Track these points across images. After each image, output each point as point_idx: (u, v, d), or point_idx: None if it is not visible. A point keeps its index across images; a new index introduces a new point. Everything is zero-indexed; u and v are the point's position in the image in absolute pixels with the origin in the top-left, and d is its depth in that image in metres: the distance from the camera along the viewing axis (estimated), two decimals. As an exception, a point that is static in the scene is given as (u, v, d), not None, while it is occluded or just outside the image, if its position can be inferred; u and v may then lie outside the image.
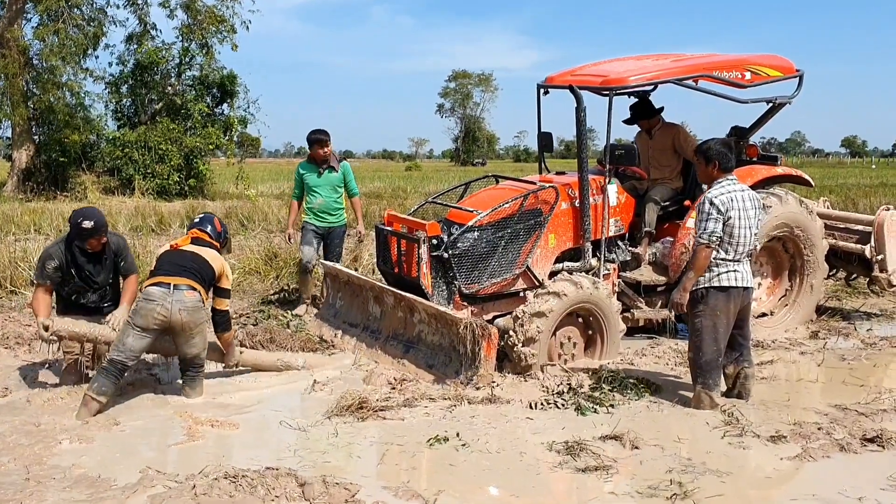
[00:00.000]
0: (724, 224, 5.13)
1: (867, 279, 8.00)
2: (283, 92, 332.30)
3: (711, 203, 5.13)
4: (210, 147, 23.83)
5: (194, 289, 5.32)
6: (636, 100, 7.59)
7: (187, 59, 24.63)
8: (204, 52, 24.40)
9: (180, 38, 24.56)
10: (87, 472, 4.19)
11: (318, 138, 7.76)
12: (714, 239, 5.13)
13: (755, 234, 5.30)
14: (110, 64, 24.86)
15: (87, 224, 5.50)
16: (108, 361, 5.17)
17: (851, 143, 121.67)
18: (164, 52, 24.17)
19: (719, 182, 5.26)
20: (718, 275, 5.20)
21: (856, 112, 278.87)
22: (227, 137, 24.62)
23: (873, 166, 60.57)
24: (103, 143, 23.71)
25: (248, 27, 24.94)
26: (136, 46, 24.20)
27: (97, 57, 24.35)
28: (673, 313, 5.58)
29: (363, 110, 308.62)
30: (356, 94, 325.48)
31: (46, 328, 5.28)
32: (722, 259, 5.19)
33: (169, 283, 5.25)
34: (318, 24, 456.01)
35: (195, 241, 5.64)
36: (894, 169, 53.66)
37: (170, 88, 24.45)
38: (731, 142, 5.69)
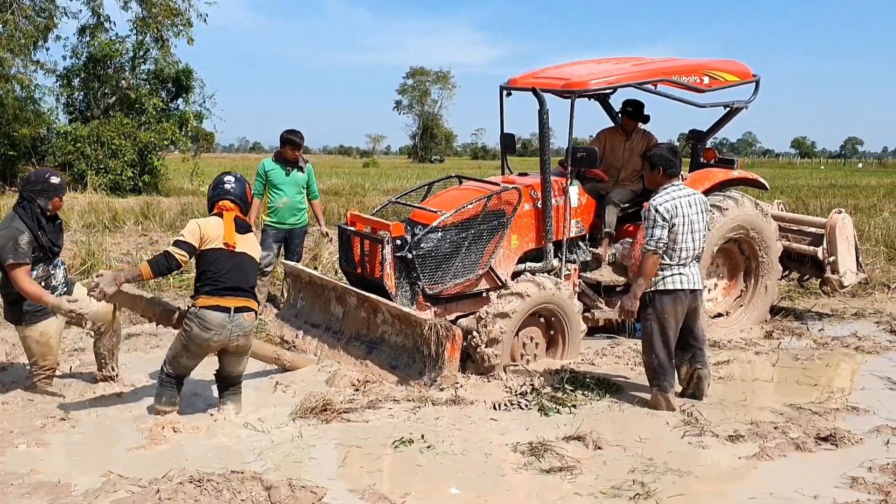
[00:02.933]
0: (668, 230, 5.23)
1: (819, 280, 8.20)
2: (238, 85, 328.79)
3: (657, 210, 5.24)
4: (165, 143, 23.44)
5: (253, 310, 5.05)
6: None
7: (142, 53, 24.18)
8: (159, 45, 23.97)
9: (134, 30, 24.11)
10: (46, 478, 4.11)
11: (293, 140, 7.68)
12: (661, 245, 5.24)
13: (703, 237, 5.39)
14: (64, 58, 24.33)
15: (56, 179, 5.29)
16: (165, 375, 5.02)
17: (801, 143, 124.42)
18: (117, 45, 23.68)
19: (664, 188, 5.37)
20: (664, 278, 5.31)
21: (805, 113, 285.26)
22: (182, 133, 24.22)
23: (822, 167, 62.03)
24: (54, 137, 23.18)
25: (205, 20, 24.57)
26: (89, 39, 23.69)
27: (48, 49, 23.84)
28: (622, 319, 5.69)
29: (319, 105, 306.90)
30: (312, 88, 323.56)
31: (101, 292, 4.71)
32: (667, 263, 5.30)
33: (229, 308, 4.89)
34: (273, 16, 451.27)
35: (236, 224, 5.07)
36: (842, 170, 54.98)
37: (124, 82, 23.98)
38: (677, 147, 5.79)
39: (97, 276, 4.80)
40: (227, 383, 5.21)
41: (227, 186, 5.19)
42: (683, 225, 5.25)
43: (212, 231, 4.98)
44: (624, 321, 7.06)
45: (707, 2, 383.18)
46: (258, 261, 5.26)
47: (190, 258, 4.96)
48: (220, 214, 5.10)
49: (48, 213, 5.28)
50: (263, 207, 7.92)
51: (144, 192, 22.06)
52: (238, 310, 4.91)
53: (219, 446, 4.65)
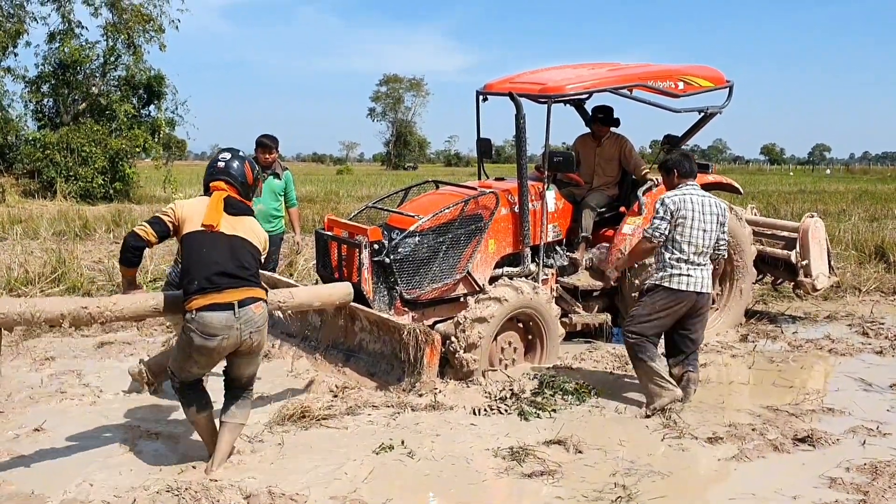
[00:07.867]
0: (674, 224, 5.28)
1: (792, 283, 8.29)
2: (210, 92, 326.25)
3: (662, 203, 5.36)
4: (136, 150, 23.19)
5: (260, 298, 4.25)
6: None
7: (113, 59, 23.93)
8: (131, 51, 23.75)
9: (105, 36, 23.87)
10: (20, 489, 4.03)
11: (264, 143, 7.55)
12: (658, 235, 5.33)
13: (714, 241, 5.43)
14: (36, 66, 24.01)
15: None
16: (178, 383, 4.31)
17: (770, 150, 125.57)
18: (87, 51, 23.42)
19: (679, 186, 5.47)
20: (670, 276, 5.38)
21: (774, 121, 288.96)
22: (154, 140, 23.98)
23: (791, 173, 62.90)
24: (22, 144, 22.86)
25: (177, 27, 24.43)
26: (58, 45, 23.39)
27: (16, 55, 23.50)
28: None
29: (292, 112, 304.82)
30: (285, 95, 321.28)
31: None
32: (676, 260, 5.35)
33: (231, 303, 4.08)
34: (245, 23, 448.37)
35: (226, 204, 4.31)
36: (810, 176, 55.73)
37: (94, 88, 23.71)
38: (689, 152, 5.91)
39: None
40: (236, 386, 4.41)
41: (220, 164, 4.42)
42: (693, 220, 5.32)
43: (190, 210, 4.25)
44: (601, 326, 7.14)
45: (676, 11, 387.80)
46: (258, 247, 4.38)
47: (160, 238, 4.26)
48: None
49: None
50: None
51: (116, 199, 21.83)
52: (243, 303, 4.12)
53: (196, 454, 4.56)
